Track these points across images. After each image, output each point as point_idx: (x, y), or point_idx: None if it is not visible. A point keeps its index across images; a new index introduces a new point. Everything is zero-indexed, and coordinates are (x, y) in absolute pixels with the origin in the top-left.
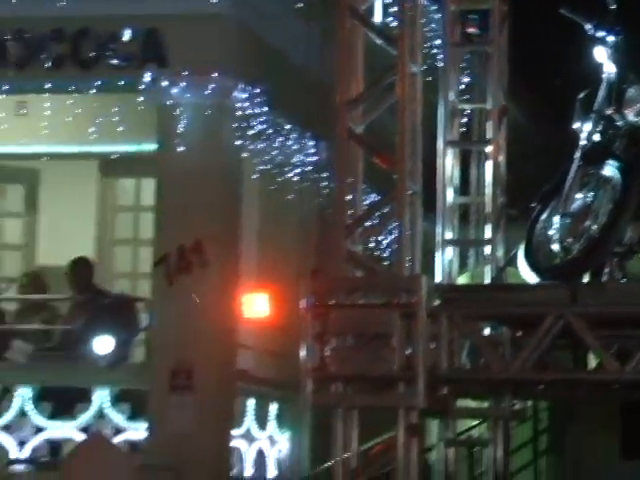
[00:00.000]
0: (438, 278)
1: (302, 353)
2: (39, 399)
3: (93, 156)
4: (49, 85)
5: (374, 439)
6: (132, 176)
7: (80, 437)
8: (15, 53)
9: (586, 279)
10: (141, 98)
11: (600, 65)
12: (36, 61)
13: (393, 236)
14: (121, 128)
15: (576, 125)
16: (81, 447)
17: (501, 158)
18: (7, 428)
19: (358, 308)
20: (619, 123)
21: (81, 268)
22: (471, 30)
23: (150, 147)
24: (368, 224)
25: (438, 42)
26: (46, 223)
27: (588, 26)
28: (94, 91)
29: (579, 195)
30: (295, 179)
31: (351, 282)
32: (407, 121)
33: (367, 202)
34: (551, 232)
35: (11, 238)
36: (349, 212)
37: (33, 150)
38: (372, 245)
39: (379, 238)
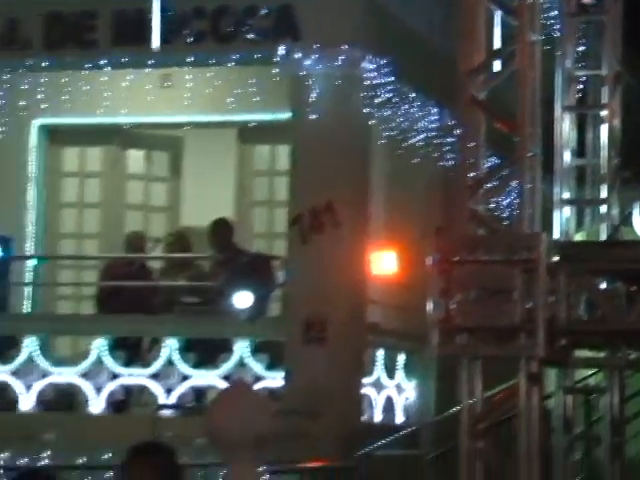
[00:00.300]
0: (556, 236)
1: (428, 307)
2: (185, 350)
3: (232, 124)
4: (191, 59)
5: (497, 387)
6: (268, 143)
7: (222, 385)
8: (159, 29)
9: None
10: (276, 70)
11: None
12: (179, 37)
13: (512, 197)
14: (257, 98)
15: None
16: (225, 393)
17: (616, 122)
18: (156, 376)
19: (481, 264)
20: None
21: (222, 228)
22: (587, 0)
23: (284, 115)
24: (488, 186)
25: (555, 13)
26: (189, 187)
27: None
28: (232, 64)
29: None
30: (420, 144)
31: (474, 240)
32: (527, 88)
33: (487, 165)
34: None
35: (157, 201)
36: (471, 174)
37: (177, 119)
38: (492, 206)
39: (499, 199)
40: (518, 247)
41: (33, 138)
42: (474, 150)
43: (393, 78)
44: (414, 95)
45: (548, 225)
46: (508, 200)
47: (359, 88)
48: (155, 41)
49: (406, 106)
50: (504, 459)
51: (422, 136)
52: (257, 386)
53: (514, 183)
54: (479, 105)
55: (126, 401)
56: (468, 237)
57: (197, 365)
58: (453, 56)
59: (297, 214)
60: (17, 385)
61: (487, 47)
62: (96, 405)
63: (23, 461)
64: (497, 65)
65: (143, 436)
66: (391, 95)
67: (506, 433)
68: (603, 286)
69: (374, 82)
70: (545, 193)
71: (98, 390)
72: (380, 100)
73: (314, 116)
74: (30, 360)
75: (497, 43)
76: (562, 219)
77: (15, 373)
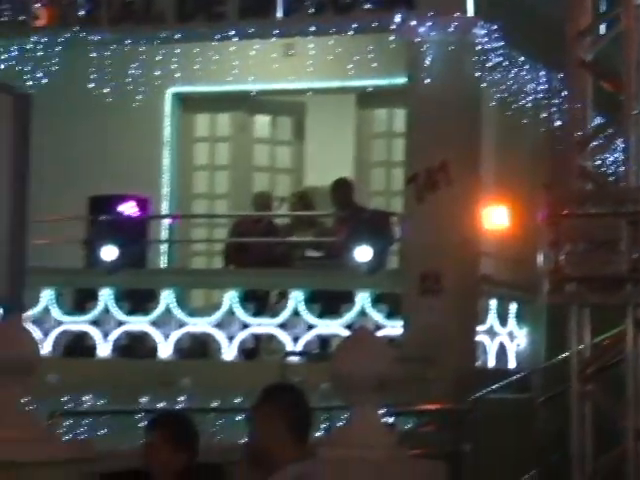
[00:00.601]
0: None
1: (539, 258)
2: (310, 301)
3: (351, 90)
4: (313, 29)
5: (604, 334)
6: (385, 106)
7: (345, 333)
8: (283, 1)
9: None
10: (392, 37)
11: None
12: (301, 8)
13: (617, 154)
14: (375, 64)
15: None
16: (349, 340)
17: None
18: (283, 326)
19: (589, 217)
20: None
21: (342, 188)
22: None
23: (400, 80)
24: (595, 144)
25: None
26: (311, 149)
27: None
28: (351, 32)
29: None
30: (528, 105)
31: (582, 194)
32: (632, 49)
33: (593, 124)
34: None
35: (282, 163)
36: (578, 133)
37: (299, 86)
38: (598, 163)
39: (605, 156)
40: (624, 200)
41: (167, 106)
42: (581, 110)
43: (503, 43)
44: (523, 59)
45: None
46: (613, 157)
47: (471, 53)
48: (279, 12)
49: (515, 70)
50: (613, 401)
51: (531, 98)
52: (378, 334)
53: (619, 141)
54: (586, 67)
55: (256, 349)
56: (576, 192)
57: (321, 315)
58: (560, 20)
59: (413, 173)
60: (156, 334)
61: (593, 10)
62: (228, 353)
63: (161, 404)
64: (603, 28)
65: (272, 381)
66: (501, 59)
67: (614, 376)
68: None
69: (485, 47)
70: None
71: (230, 339)
72: (491, 64)
73: (428, 80)
74: (168, 311)
75: (603, 6)
76: None
77: (154, 323)
